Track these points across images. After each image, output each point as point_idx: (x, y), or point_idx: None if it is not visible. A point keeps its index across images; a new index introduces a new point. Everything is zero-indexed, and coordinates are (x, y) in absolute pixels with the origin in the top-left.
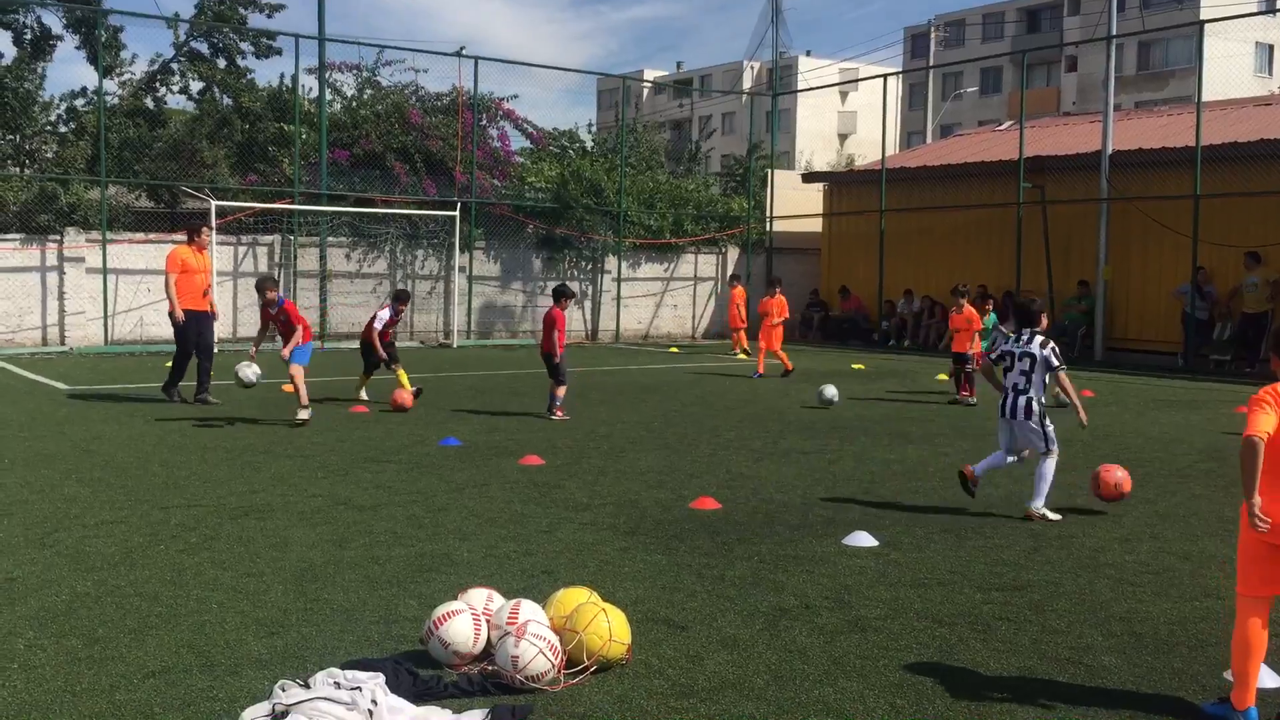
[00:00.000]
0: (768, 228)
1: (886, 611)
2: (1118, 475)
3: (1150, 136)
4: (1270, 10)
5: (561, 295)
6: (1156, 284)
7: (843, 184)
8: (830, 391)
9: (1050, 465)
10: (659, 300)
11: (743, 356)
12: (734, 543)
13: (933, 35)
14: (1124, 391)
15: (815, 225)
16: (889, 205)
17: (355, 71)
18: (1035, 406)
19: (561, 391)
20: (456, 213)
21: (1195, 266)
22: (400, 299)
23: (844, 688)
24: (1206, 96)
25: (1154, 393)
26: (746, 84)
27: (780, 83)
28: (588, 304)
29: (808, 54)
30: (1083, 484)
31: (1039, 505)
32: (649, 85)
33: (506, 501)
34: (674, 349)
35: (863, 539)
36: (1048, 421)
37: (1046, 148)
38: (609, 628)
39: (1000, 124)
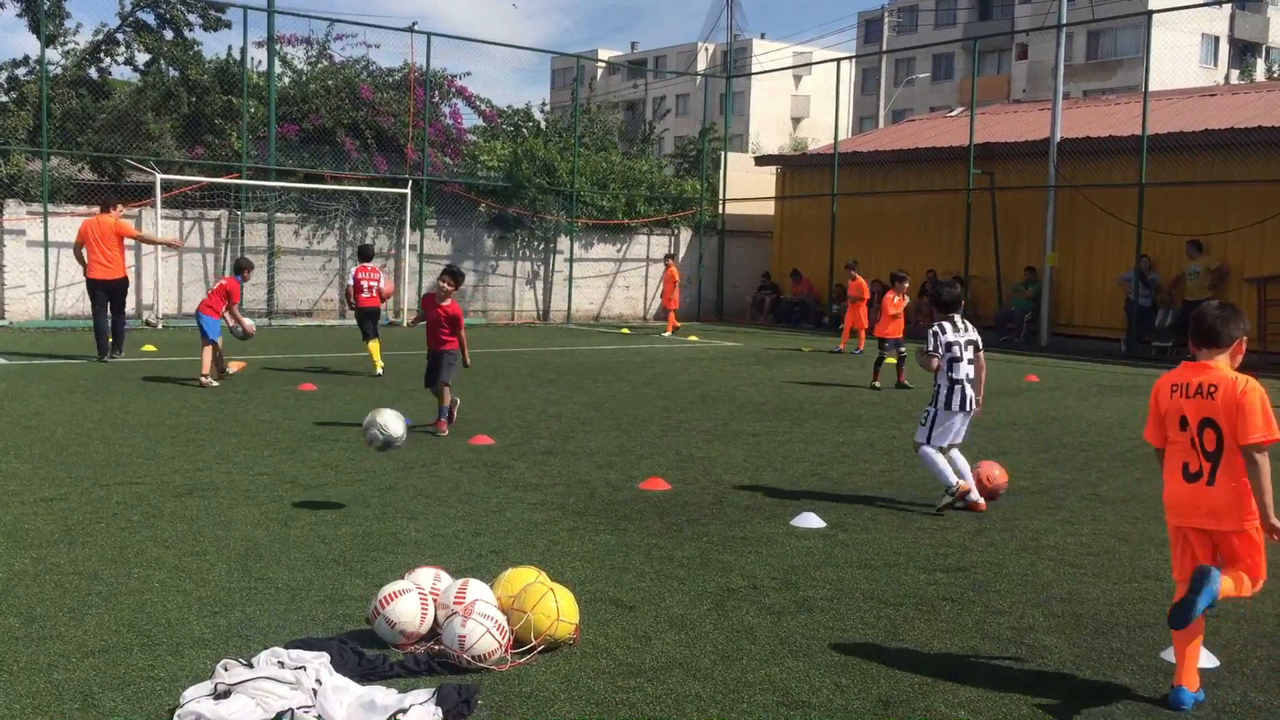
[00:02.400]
0: (720, 210)
1: (833, 592)
2: (994, 471)
3: (1098, 125)
4: (1216, 1)
5: (455, 275)
6: (1102, 271)
7: (795, 167)
8: (385, 426)
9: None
10: (611, 281)
11: (693, 338)
12: (683, 524)
13: (886, 20)
14: (1068, 377)
15: (768, 208)
16: (841, 189)
17: (305, 45)
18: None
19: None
20: (408, 190)
21: (1139, 254)
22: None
23: (790, 667)
24: (1153, 86)
25: (1097, 378)
26: (701, 66)
27: (734, 65)
28: (539, 284)
29: (762, 37)
30: (1025, 467)
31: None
32: (603, 65)
33: (455, 481)
34: (625, 330)
35: (811, 520)
36: None
37: (996, 134)
38: (557, 607)
39: (951, 110)
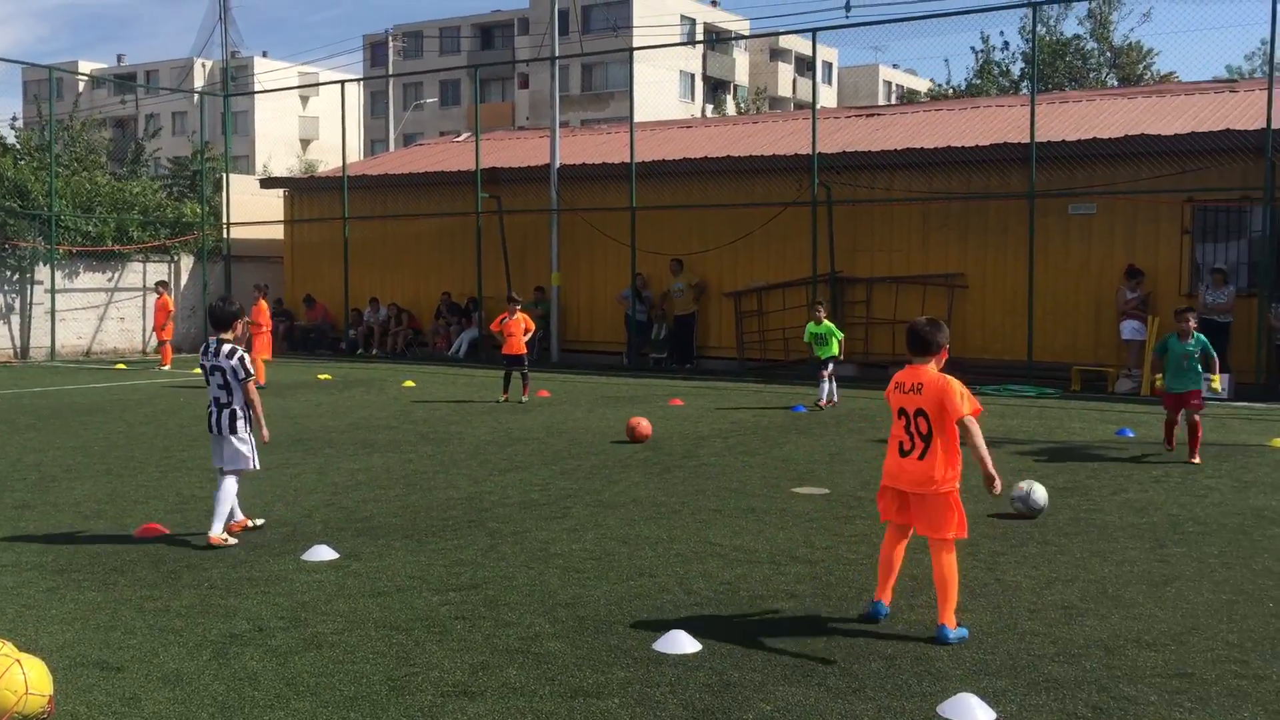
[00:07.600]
0: (225, 234)
1: (344, 625)
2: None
3: (594, 152)
4: (689, 43)
5: None
6: (603, 289)
7: (304, 190)
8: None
9: (233, 486)
10: (103, 313)
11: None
12: (182, 570)
13: (391, 45)
14: (576, 390)
15: (277, 232)
16: (352, 212)
17: None
18: (240, 421)
19: None
20: None
21: (634, 273)
22: None
23: (296, 709)
24: (639, 118)
25: (602, 390)
26: (198, 82)
27: (233, 83)
28: (15, 319)
29: (264, 55)
30: (536, 481)
31: (219, 530)
32: (85, 78)
33: None
34: (121, 365)
35: (323, 553)
36: (251, 437)
37: (502, 159)
38: (25, 680)
39: (459, 135)
